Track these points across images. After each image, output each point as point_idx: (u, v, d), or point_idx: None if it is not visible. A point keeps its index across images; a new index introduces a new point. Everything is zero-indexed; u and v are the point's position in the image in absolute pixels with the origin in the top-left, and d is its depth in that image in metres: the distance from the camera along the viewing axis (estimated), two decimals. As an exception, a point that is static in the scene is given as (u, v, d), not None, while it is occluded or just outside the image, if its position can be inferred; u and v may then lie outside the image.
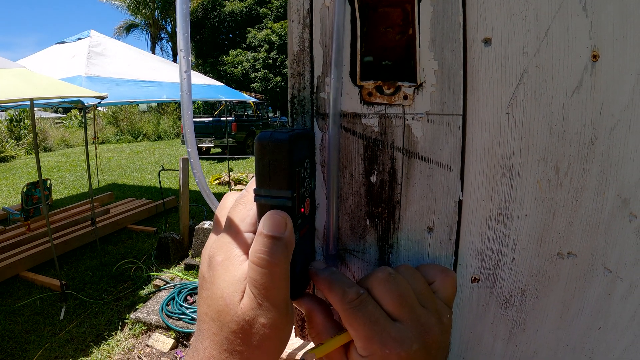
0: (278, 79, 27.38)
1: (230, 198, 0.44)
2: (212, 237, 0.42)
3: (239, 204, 0.40)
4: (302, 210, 0.40)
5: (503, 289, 0.45)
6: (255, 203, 0.38)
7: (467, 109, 0.42)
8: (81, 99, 4.94)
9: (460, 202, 0.43)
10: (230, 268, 0.38)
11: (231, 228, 0.40)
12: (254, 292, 0.36)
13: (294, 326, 0.52)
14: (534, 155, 0.42)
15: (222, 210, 0.43)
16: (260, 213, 0.37)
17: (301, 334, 0.54)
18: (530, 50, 0.40)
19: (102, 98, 4.66)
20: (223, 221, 0.42)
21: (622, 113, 0.40)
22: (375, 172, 0.44)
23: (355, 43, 0.42)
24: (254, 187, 0.38)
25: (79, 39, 6.80)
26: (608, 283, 0.44)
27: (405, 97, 0.42)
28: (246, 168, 11.21)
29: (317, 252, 0.47)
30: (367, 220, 0.45)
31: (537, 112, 0.41)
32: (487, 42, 0.41)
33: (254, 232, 0.38)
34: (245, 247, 0.38)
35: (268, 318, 0.36)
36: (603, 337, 0.46)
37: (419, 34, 0.41)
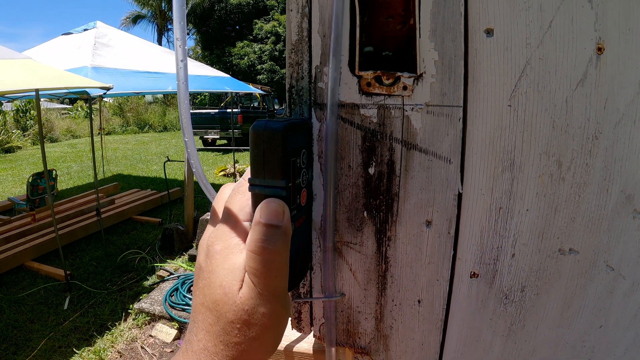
0: (284, 70, 27.29)
1: (227, 189, 0.43)
2: (209, 228, 0.41)
3: (237, 193, 0.39)
4: (298, 200, 0.40)
5: (502, 284, 0.45)
6: None
7: (467, 101, 0.41)
8: (87, 89, 4.94)
9: (459, 196, 0.43)
10: (229, 256, 0.37)
11: (230, 217, 0.39)
12: (254, 280, 0.35)
13: (290, 318, 0.51)
14: (536, 149, 0.41)
15: (220, 202, 0.42)
16: (255, 203, 0.37)
17: (298, 327, 0.54)
18: (534, 41, 0.39)
19: (108, 89, 4.65)
20: (220, 212, 0.41)
21: (627, 107, 0.39)
22: (374, 164, 0.43)
23: (355, 32, 0.41)
24: (250, 176, 0.37)
25: (85, 29, 6.78)
26: (610, 281, 0.43)
27: (405, 88, 0.41)
28: (251, 160, 11.18)
29: (314, 243, 0.47)
30: (365, 213, 0.45)
31: (540, 105, 0.40)
32: (489, 32, 0.39)
33: None
34: (244, 236, 0.37)
35: (268, 308, 0.35)
36: (604, 336, 0.45)
37: (420, 23, 0.40)
